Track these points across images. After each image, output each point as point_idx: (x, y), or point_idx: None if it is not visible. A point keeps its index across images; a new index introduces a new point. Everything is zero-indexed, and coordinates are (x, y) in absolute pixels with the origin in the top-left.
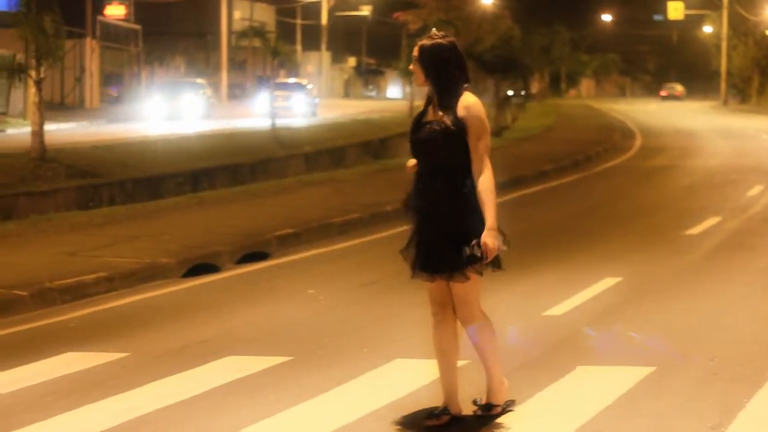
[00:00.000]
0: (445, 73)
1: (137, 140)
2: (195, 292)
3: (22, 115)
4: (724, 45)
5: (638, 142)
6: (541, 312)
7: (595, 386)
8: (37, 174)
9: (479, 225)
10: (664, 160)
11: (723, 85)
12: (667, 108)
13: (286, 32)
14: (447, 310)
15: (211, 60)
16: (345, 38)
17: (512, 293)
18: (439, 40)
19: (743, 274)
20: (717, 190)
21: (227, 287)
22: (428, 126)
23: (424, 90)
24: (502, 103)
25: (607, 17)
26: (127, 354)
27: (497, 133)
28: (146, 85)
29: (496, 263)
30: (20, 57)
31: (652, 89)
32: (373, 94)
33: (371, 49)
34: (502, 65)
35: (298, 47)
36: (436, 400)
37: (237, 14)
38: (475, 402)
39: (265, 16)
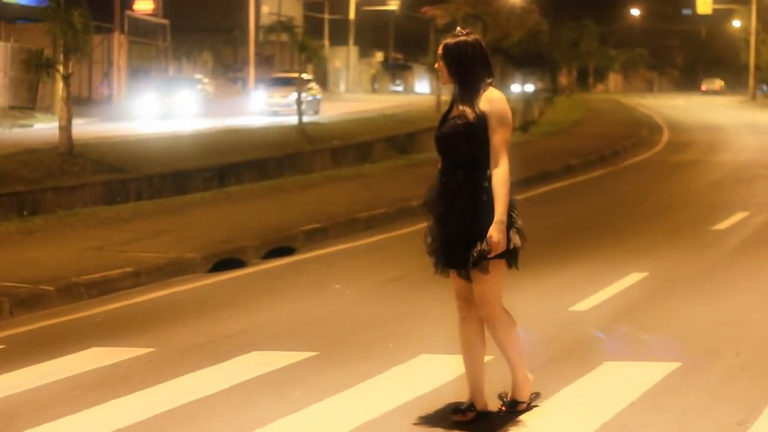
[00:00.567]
0: (467, 68)
1: (164, 136)
2: (221, 287)
3: (50, 110)
4: (752, 39)
5: (665, 137)
6: (568, 307)
7: (621, 382)
8: (65, 169)
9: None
10: (691, 155)
11: (751, 80)
12: (695, 103)
13: (313, 27)
14: (472, 306)
15: (239, 55)
16: (372, 33)
17: (538, 288)
18: (463, 38)
19: None
20: (744, 185)
21: (253, 282)
22: (451, 121)
23: (450, 85)
24: (528, 97)
25: (635, 12)
26: (153, 349)
27: (524, 127)
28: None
29: (513, 260)
30: (48, 52)
31: (680, 84)
32: (401, 89)
33: (399, 44)
34: (530, 60)
35: (326, 42)
36: (461, 396)
37: (265, 9)
38: (500, 396)
39: (293, 10)
